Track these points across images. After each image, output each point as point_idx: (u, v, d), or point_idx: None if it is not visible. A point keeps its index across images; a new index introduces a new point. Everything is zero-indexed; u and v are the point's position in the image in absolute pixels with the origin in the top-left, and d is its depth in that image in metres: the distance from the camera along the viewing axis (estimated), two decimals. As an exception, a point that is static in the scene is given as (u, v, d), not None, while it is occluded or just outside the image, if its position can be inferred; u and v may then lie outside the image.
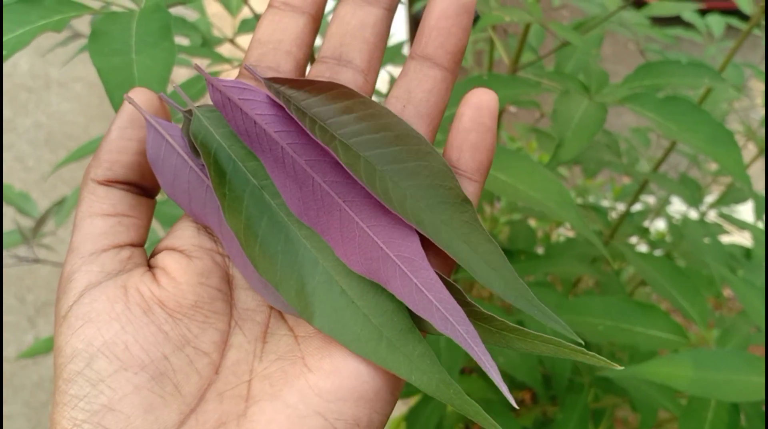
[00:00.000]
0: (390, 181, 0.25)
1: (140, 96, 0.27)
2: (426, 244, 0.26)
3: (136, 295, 0.25)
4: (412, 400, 0.89)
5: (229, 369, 0.26)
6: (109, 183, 0.27)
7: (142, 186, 0.28)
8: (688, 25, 1.05)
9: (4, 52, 0.29)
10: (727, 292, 1.42)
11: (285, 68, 0.29)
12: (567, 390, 0.74)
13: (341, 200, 0.26)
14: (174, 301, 0.26)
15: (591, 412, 0.79)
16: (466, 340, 0.23)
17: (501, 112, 0.65)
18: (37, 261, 0.75)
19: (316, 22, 0.31)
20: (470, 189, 0.27)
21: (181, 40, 0.66)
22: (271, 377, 0.25)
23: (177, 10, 0.59)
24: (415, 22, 2.21)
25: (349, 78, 0.29)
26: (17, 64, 2.11)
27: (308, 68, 0.31)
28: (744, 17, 1.00)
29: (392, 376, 0.25)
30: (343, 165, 0.25)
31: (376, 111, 0.26)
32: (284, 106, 0.26)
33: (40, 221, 0.72)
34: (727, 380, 0.48)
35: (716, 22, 0.96)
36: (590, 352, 0.23)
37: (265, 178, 0.27)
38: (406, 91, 0.28)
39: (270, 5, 0.30)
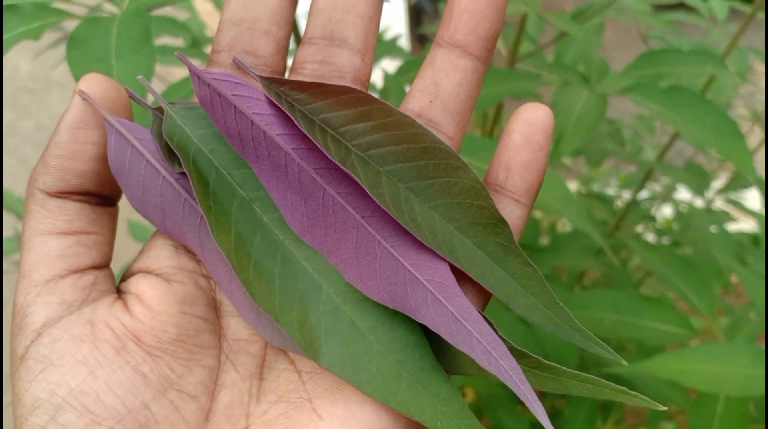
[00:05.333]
0: (416, 201, 0.22)
1: (97, 86, 0.22)
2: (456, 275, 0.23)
3: (105, 330, 0.22)
4: None
5: (222, 414, 0.22)
6: (62, 195, 0.22)
7: (102, 195, 0.23)
8: (690, 9, 1.03)
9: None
10: (734, 278, 1.40)
11: (265, 51, 0.25)
12: (575, 384, 0.73)
13: (359, 216, 0.22)
14: (152, 336, 0.22)
15: (600, 405, 0.78)
16: (511, 378, 0.20)
17: (500, 104, 0.64)
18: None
19: None
20: (517, 212, 0.24)
21: (173, 41, 0.65)
22: (274, 425, 0.22)
23: (167, 10, 0.58)
24: (415, 13, 2.19)
25: (345, 60, 0.25)
26: (18, 66, 2.10)
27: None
28: (747, 0, 0.99)
29: (415, 424, 0.22)
30: (365, 187, 0.22)
31: (397, 119, 0.22)
32: (288, 113, 0.22)
33: (38, 227, 0.71)
34: (736, 374, 0.47)
35: (719, 6, 0.94)
36: (633, 393, 0.21)
37: (254, 188, 0.23)
38: (433, 84, 0.25)
39: None
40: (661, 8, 0.97)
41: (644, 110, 1.14)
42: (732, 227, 0.92)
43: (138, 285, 0.23)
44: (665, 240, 1.00)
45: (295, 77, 0.25)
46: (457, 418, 0.21)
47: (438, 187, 0.22)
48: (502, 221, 0.22)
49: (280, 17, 0.25)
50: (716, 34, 0.93)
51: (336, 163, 0.22)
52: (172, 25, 0.57)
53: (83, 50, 0.29)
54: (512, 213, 0.24)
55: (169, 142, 0.23)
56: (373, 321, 0.22)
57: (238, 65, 0.24)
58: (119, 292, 0.23)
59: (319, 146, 0.22)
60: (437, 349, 0.22)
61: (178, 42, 0.64)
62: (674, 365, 0.47)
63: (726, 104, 0.90)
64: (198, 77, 0.23)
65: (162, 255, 0.24)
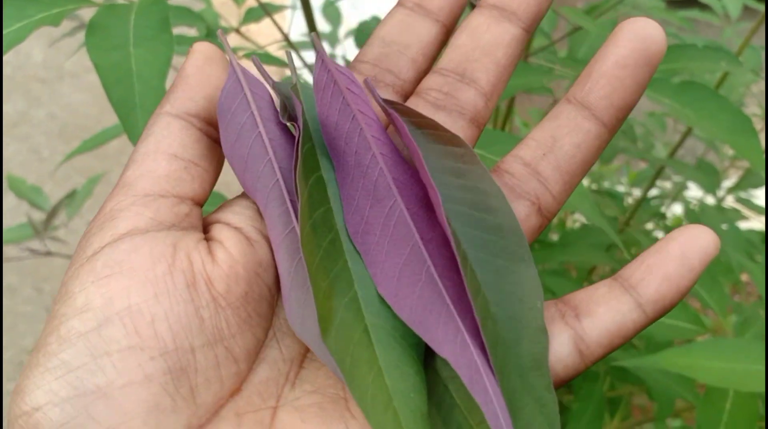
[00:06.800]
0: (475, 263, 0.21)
1: (204, 50, 0.25)
2: None
3: (185, 260, 0.21)
4: None
5: (255, 387, 0.22)
6: (189, 117, 0.23)
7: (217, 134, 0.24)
8: (704, 7, 1.03)
9: (3, 47, 0.28)
10: (744, 277, 1.40)
11: (405, 76, 0.26)
12: (582, 379, 0.73)
13: (418, 235, 0.22)
14: (224, 284, 0.21)
15: (607, 401, 0.78)
16: (496, 416, 0.19)
17: (512, 98, 0.64)
18: (49, 254, 0.75)
19: (448, 34, 0.27)
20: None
21: (188, 31, 0.65)
22: (305, 411, 0.21)
23: (182, 0, 0.58)
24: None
25: (469, 98, 0.25)
26: (30, 55, 2.11)
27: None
28: (762, -3, 0.98)
29: None
30: (444, 217, 0.21)
31: (486, 188, 0.22)
32: (400, 125, 0.22)
33: (51, 214, 0.72)
34: (746, 370, 0.47)
35: (733, 4, 0.94)
36: None
37: (329, 171, 0.24)
38: (552, 137, 0.24)
39: (400, 3, 0.27)
40: (674, 4, 0.96)
41: (656, 107, 1.14)
42: (742, 226, 0.92)
43: (221, 232, 0.23)
44: (675, 237, 0.99)
45: (417, 101, 0.26)
46: None
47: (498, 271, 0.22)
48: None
49: (429, 51, 0.27)
50: (729, 32, 0.93)
51: (428, 176, 0.21)
52: (188, 15, 0.57)
53: (102, 37, 0.29)
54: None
55: (292, 98, 0.24)
56: (387, 341, 0.21)
57: (368, 84, 0.25)
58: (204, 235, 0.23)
59: (421, 159, 0.22)
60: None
61: (192, 32, 0.64)
62: (683, 360, 0.47)
63: (739, 102, 0.90)
64: (322, 61, 0.24)
65: (247, 214, 0.24)
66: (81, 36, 0.72)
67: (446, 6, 0.27)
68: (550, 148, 0.24)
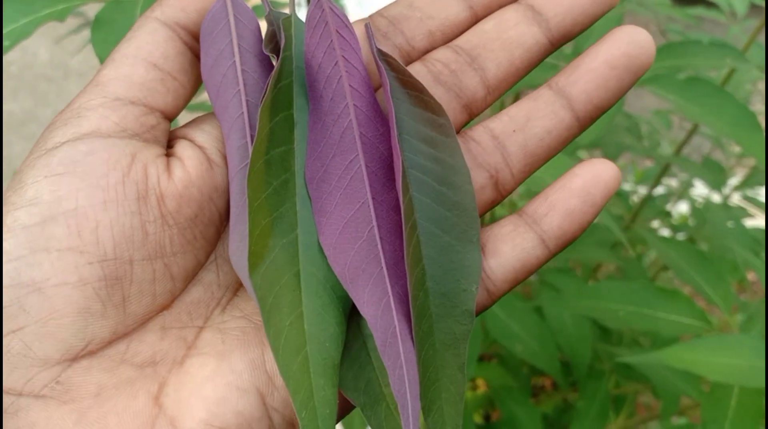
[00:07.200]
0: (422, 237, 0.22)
1: None
2: None
3: (140, 172, 0.21)
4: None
5: (185, 306, 0.22)
6: (177, 28, 0.23)
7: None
8: (710, 5, 1.03)
9: (6, 43, 0.29)
10: (751, 276, 1.40)
11: (417, 44, 0.26)
12: (587, 377, 0.73)
13: (370, 194, 0.22)
14: (175, 203, 0.22)
15: (612, 399, 0.78)
16: (402, 381, 0.20)
17: (517, 95, 0.64)
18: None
19: (474, 23, 0.27)
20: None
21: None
22: (227, 334, 0.22)
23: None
24: None
25: (471, 85, 0.25)
26: (37, 54, 2.12)
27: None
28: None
29: None
30: (400, 184, 0.21)
31: (456, 163, 0.23)
32: (387, 80, 0.22)
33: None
34: (752, 366, 0.47)
35: (740, 1, 0.94)
36: None
37: (302, 111, 0.23)
38: (526, 116, 0.25)
39: None
40: (680, 1, 0.96)
41: (662, 104, 1.13)
42: (748, 223, 0.92)
43: (184, 150, 0.23)
44: (680, 236, 0.99)
45: (420, 67, 0.26)
46: (320, 418, 0.20)
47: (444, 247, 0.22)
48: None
49: (449, 31, 0.26)
50: (736, 29, 0.92)
51: (396, 140, 0.22)
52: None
53: (107, 32, 0.29)
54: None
55: (280, 30, 0.23)
56: (316, 289, 0.21)
57: (367, 30, 0.25)
58: (167, 150, 0.23)
59: (393, 120, 0.22)
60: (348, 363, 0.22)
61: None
62: (688, 355, 0.47)
63: (745, 100, 0.90)
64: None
65: (215, 135, 0.23)
66: (86, 34, 0.73)
67: None
68: (521, 127, 0.25)
